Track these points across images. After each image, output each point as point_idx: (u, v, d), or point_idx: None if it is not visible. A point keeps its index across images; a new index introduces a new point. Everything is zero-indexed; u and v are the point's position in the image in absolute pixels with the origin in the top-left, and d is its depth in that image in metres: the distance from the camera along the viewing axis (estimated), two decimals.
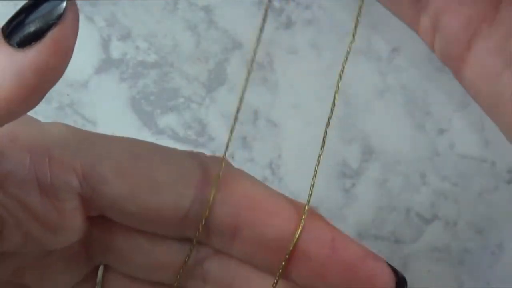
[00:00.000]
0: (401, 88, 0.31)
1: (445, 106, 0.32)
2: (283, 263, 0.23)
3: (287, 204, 0.23)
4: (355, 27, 0.24)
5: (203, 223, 0.23)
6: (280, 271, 0.23)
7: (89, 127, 0.34)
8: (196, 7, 0.32)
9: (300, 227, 0.23)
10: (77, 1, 0.33)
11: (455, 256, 0.32)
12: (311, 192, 0.23)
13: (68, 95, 0.34)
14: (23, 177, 0.22)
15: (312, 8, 0.31)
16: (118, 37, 0.33)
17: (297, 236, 0.23)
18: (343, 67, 0.24)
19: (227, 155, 0.24)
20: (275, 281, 0.23)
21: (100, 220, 0.24)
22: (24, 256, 0.23)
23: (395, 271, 0.23)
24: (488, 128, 0.32)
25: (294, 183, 0.29)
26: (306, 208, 0.23)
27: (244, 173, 0.24)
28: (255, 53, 0.25)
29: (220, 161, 0.23)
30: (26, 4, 0.20)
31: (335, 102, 0.23)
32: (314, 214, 0.23)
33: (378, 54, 0.31)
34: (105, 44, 0.33)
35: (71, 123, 0.26)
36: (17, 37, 0.19)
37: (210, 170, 0.23)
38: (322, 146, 0.27)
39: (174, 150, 0.24)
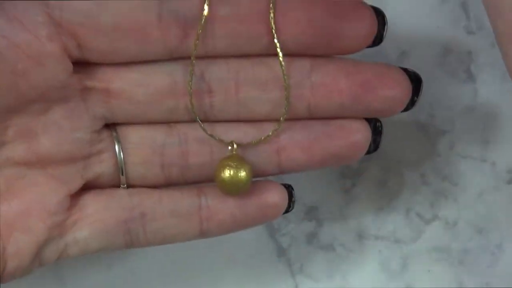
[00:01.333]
0: None
1: (446, 107, 0.32)
2: (272, 18, 0.24)
3: None
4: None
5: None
6: (274, 30, 0.24)
7: None
8: None
9: None
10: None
11: (455, 256, 0.32)
12: None
13: None
14: None
15: None
16: None
17: None
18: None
19: None
20: (279, 57, 0.25)
21: (87, 69, 0.25)
22: (27, 116, 0.25)
23: (375, 9, 0.25)
24: (488, 128, 0.32)
25: (295, 185, 0.29)
26: None
27: None
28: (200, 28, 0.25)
29: None
30: None
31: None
32: None
33: (387, 58, 0.31)
34: None
35: None
36: None
37: None
38: None
39: None
